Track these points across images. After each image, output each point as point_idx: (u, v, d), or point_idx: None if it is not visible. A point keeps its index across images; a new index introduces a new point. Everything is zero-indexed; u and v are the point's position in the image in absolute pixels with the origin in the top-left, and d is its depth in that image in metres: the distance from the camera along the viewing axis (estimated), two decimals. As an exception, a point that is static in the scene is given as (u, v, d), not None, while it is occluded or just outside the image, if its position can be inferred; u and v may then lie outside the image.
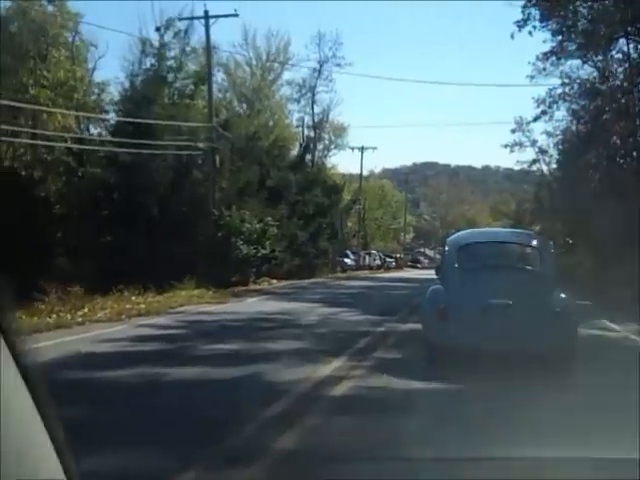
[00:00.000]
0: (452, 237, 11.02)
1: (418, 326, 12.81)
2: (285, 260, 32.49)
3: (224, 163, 29.02)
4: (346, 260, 50.67)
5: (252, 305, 17.98)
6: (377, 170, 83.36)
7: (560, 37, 26.20)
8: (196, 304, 17.74)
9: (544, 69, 27.93)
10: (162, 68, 31.16)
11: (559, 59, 27.87)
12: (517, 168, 48.05)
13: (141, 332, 12.16)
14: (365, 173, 67.12)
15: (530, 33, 24.23)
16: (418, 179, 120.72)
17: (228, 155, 29.74)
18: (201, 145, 27.22)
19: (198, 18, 28.75)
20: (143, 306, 15.51)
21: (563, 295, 9.03)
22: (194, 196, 28.43)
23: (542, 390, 6.88)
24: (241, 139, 33.29)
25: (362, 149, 57.49)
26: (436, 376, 7.91)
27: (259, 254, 27.52)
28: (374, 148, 59.29)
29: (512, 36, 24.52)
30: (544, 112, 31.50)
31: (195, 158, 28.86)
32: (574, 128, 34.88)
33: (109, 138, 28.40)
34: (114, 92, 32.39)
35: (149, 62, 31.03)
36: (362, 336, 11.72)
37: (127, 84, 30.60)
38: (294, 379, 7.75)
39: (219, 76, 45.90)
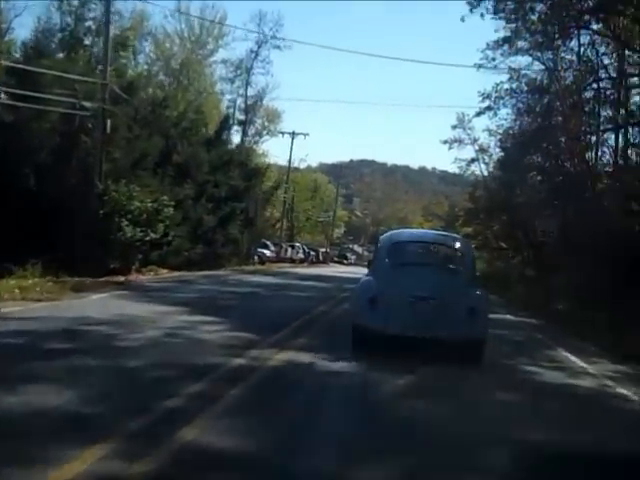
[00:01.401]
0: (385, 235, 11.94)
1: (301, 358, 8.97)
2: (184, 247, 28.15)
3: (118, 129, 24.76)
4: (265, 251, 46.79)
5: (86, 306, 13.30)
6: (314, 164, 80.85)
7: (514, 25, 23.83)
8: (4, 301, 12.69)
9: (493, 59, 25.99)
10: (79, 29, 29.50)
11: (511, 47, 25.63)
12: (454, 168, 45.91)
13: None
14: (298, 164, 64.39)
15: (482, 15, 21.89)
16: (354, 174, 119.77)
17: (125, 121, 25.43)
18: (87, 104, 22.80)
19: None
20: None
21: (478, 292, 10.11)
22: (83, 166, 24.32)
23: None
24: (146, 105, 29.01)
25: (293, 134, 56.42)
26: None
27: (147, 238, 23.23)
28: (306, 134, 57.77)
29: (462, 19, 22.42)
30: (489, 107, 30.43)
31: (86, 122, 24.64)
32: (518, 127, 32.81)
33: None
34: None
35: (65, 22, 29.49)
36: (195, 379, 7.19)
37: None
38: None
39: (147, 47, 42.63)
